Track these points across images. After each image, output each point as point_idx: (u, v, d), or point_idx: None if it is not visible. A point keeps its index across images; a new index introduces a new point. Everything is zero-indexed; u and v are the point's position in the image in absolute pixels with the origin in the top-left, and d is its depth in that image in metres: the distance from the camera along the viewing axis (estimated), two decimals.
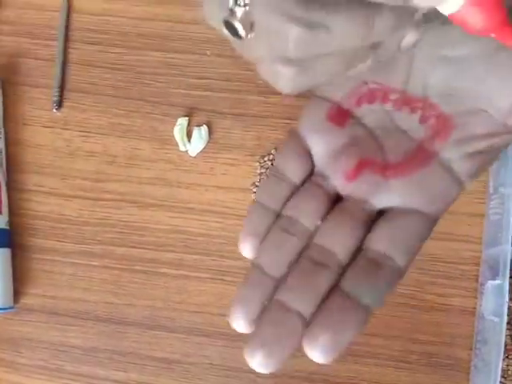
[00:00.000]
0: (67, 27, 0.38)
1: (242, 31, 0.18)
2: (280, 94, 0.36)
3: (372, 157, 0.23)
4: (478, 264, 0.33)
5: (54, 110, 0.37)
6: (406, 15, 0.19)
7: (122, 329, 0.34)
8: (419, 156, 0.23)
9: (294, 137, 0.25)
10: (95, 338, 0.34)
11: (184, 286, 0.34)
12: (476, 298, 0.33)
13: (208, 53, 0.37)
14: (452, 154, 0.22)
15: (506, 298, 0.29)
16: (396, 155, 0.23)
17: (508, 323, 0.32)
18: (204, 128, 0.36)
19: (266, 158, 0.36)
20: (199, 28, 0.37)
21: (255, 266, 0.22)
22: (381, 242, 0.22)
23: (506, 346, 0.32)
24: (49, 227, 0.36)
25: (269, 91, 0.37)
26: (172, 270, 0.34)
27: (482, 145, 0.22)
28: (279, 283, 0.22)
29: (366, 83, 0.24)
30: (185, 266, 0.34)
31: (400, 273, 0.21)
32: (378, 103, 0.24)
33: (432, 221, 0.22)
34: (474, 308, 0.33)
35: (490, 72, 0.22)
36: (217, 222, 0.35)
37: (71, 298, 0.35)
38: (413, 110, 0.23)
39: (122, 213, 0.35)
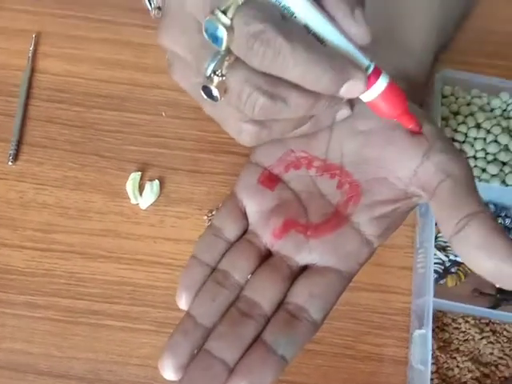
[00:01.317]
0: (29, 85, 0.36)
1: (217, 95, 0.20)
2: (229, 152, 0.36)
3: (297, 218, 0.23)
4: (408, 314, 0.32)
5: (10, 163, 0.34)
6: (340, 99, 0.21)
7: (62, 383, 0.30)
8: (335, 219, 0.23)
9: (232, 198, 0.24)
10: None
11: (128, 339, 0.31)
12: (407, 347, 0.31)
13: (163, 114, 0.36)
14: (361, 217, 0.23)
15: (430, 347, 0.28)
16: (317, 217, 0.23)
17: (436, 372, 0.30)
18: (156, 183, 0.34)
19: (213, 212, 0.34)
20: (156, 92, 0.36)
21: (188, 315, 0.22)
22: (300, 296, 0.22)
23: None
24: None
25: (220, 150, 0.35)
26: (117, 322, 0.31)
27: (386, 209, 0.23)
28: (210, 332, 0.21)
29: (293, 151, 0.24)
30: (130, 318, 0.31)
31: (315, 326, 0.21)
32: (303, 169, 0.24)
33: (346, 278, 0.23)
34: (406, 357, 0.31)
35: (389, 145, 0.23)
36: (164, 273, 0.32)
37: (13, 350, 0.30)
38: (332, 177, 0.24)
39: (70, 264, 0.32)
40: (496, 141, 0.34)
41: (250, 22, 0.18)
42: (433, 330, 0.29)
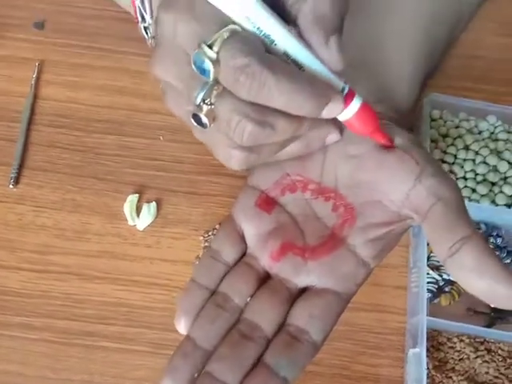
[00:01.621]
0: (32, 111, 0.36)
1: (206, 122, 0.21)
2: (226, 174, 0.36)
3: (294, 241, 0.23)
4: (403, 334, 0.32)
5: (11, 186, 0.34)
6: (325, 121, 0.22)
7: None
8: (331, 241, 0.23)
9: (229, 221, 0.25)
10: None
11: (123, 360, 0.30)
12: (402, 367, 0.31)
13: (161, 138, 0.36)
14: (356, 239, 0.23)
15: (424, 366, 0.27)
16: (313, 239, 0.23)
17: None
18: (153, 204, 0.34)
19: (210, 233, 0.34)
20: (154, 117, 0.37)
21: (188, 338, 0.22)
22: (300, 318, 0.22)
23: None
24: None
25: (216, 172, 0.36)
26: (112, 344, 0.30)
27: (380, 232, 0.23)
28: (210, 355, 0.21)
29: (289, 175, 0.25)
30: (126, 340, 0.30)
31: (316, 347, 0.21)
32: (299, 192, 0.24)
33: (344, 299, 0.23)
34: (401, 377, 0.31)
35: (382, 169, 0.23)
36: (161, 294, 0.32)
37: (8, 372, 0.30)
38: (326, 200, 0.24)
39: (66, 285, 0.31)
40: (485, 162, 0.34)
41: (235, 55, 0.19)
42: (428, 350, 0.28)
